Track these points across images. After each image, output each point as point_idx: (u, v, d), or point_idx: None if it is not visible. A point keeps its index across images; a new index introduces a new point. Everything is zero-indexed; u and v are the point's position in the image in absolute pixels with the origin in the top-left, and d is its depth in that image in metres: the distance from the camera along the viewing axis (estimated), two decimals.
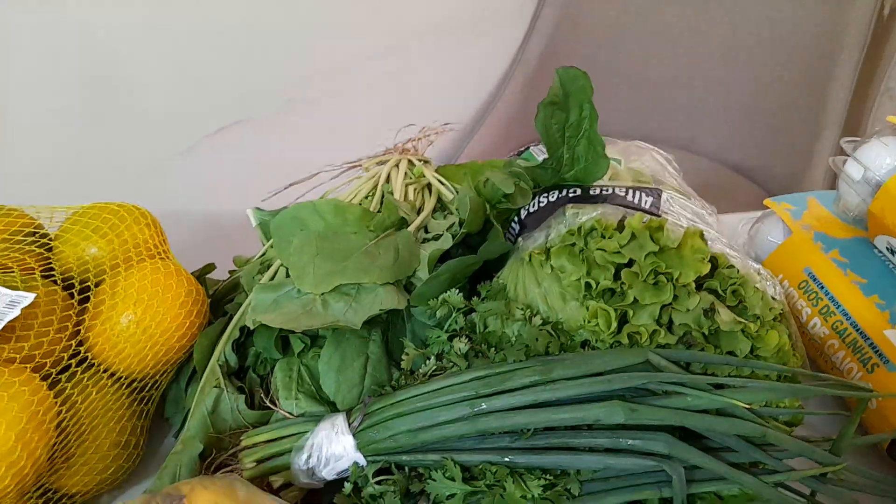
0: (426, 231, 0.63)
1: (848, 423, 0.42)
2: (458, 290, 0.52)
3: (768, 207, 0.67)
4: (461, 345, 0.49)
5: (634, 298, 0.45)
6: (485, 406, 0.44)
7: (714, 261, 0.47)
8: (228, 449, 0.50)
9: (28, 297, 0.47)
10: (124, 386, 0.53)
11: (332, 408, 0.50)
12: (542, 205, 0.54)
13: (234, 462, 0.49)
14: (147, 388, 0.55)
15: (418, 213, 0.65)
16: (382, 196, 0.67)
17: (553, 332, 0.47)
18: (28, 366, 0.47)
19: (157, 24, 1.02)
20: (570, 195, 0.54)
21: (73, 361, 0.50)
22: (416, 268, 0.56)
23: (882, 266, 0.59)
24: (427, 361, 0.50)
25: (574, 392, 0.43)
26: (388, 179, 0.73)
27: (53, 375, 0.48)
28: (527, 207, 0.56)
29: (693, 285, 0.45)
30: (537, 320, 0.48)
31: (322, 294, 0.52)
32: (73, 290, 0.52)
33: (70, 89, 0.94)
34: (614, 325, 0.45)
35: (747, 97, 1.59)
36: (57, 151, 0.96)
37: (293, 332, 0.53)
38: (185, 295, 0.55)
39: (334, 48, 1.26)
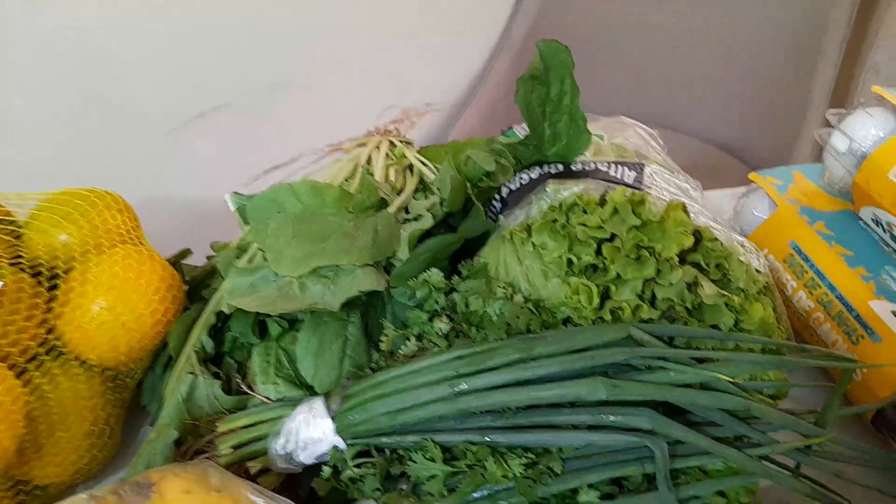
0: (407, 212, 0.62)
1: (833, 395, 0.42)
2: (438, 270, 0.51)
3: (754, 182, 0.67)
4: (441, 325, 0.48)
5: (617, 274, 0.44)
6: (465, 385, 0.43)
7: (698, 234, 0.46)
8: (205, 436, 0.49)
9: None
10: (96, 375, 0.52)
11: (311, 392, 0.49)
12: (523, 182, 0.53)
13: (210, 449, 0.48)
14: (121, 377, 0.53)
15: (399, 194, 0.64)
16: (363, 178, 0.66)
17: (535, 310, 0.46)
18: None
19: (138, 8, 1.00)
20: (552, 172, 0.52)
21: (42, 350, 0.49)
22: (397, 249, 0.55)
23: (867, 238, 0.58)
24: (407, 342, 0.49)
25: (555, 369, 0.42)
26: (369, 161, 0.72)
27: (22, 365, 0.47)
28: (508, 185, 0.55)
29: (676, 259, 0.44)
30: (519, 298, 0.47)
31: (299, 277, 0.51)
32: (42, 278, 0.50)
33: (48, 75, 0.92)
34: (596, 300, 0.44)
35: (734, 75, 1.58)
36: (32, 138, 0.94)
37: (270, 316, 0.51)
38: (158, 281, 0.54)
39: (317, 31, 1.24)
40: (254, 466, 0.46)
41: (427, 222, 0.55)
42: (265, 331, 0.53)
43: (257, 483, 0.46)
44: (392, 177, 0.68)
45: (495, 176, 0.57)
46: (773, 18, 1.46)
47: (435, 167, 0.67)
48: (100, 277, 0.51)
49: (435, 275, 0.50)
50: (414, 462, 0.43)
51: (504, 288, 0.48)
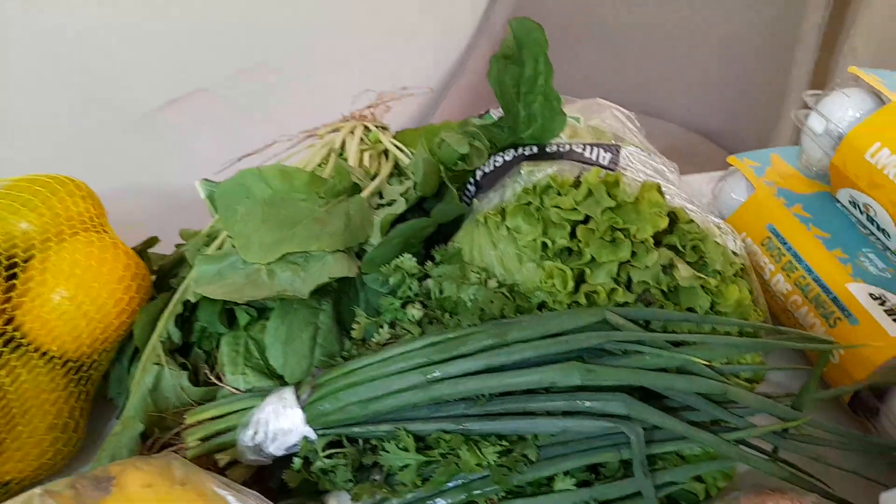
0: (381, 197, 0.60)
1: (810, 378, 0.41)
2: (411, 256, 0.49)
3: (732, 165, 0.66)
4: (414, 311, 0.47)
5: (591, 257, 0.43)
6: (438, 373, 0.42)
7: (673, 216, 0.45)
8: (172, 428, 0.47)
9: None
10: (59, 366, 0.50)
11: (282, 382, 0.48)
12: (497, 165, 0.52)
13: (178, 442, 0.46)
14: (85, 369, 0.52)
15: (374, 179, 0.62)
16: None
17: (509, 295, 0.45)
18: None
19: None
20: (527, 154, 0.51)
21: (1, 342, 0.47)
22: (370, 234, 0.54)
23: (845, 220, 0.58)
24: (380, 330, 0.48)
25: (530, 355, 0.41)
26: (343, 146, 0.70)
27: None
28: (482, 168, 0.54)
29: (651, 241, 0.43)
30: (493, 283, 0.46)
31: (268, 264, 0.50)
32: (0, 267, 0.48)
33: (13, 58, 0.89)
34: (571, 284, 0.43)
35: (713, 60, 1.57)
36: None
37: (238, 304, 0.50)
38: (122, 269, 0.52)
39: (293, 13, 1.21)
40: (222, 459, 0.45)
41: (400, 207, 0.53)
42: (234, 320, 0.51)
43: (226, 475, 0.45)
44: (366, 162, 0.67)
45: (470, 159, 0.55)
46: (751, 3, 1.45)
47: (410, 152, 0.66)
48: (60, 266, 0.50)
49: (408, 260, 0.49)
50: (386, 452, 0.42)
51: (478, 273, 0.47)
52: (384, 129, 0.77)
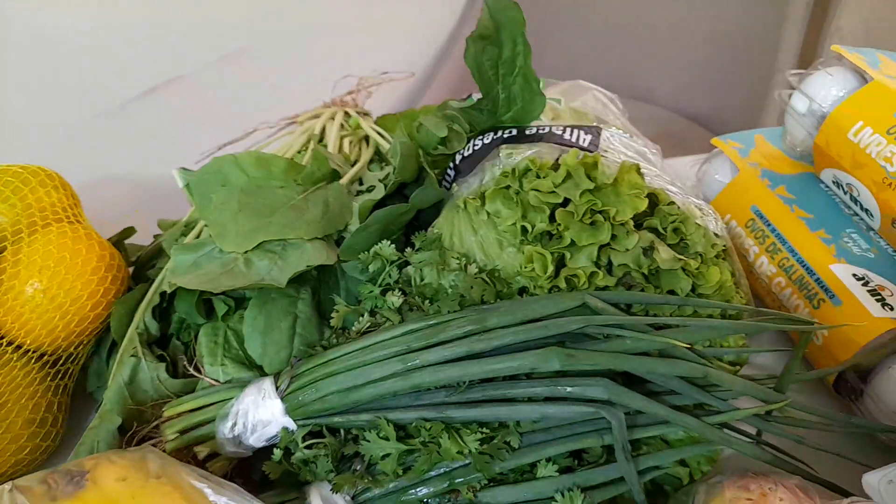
0: (361, 183, 0.59)
1: (791, 359, 0.41)
2: (390, 243, 0.49)
3: (717, 147, 0.65)
4: (394, 299, 0.46)
5: (571, 240, 0.42)
6: (418, 361, 0.41)
7: (654, 198, 0.44)
8: (151, 421, 0.47)
9: None
10: (33, 360, 0.49)
11: (262, 372, 0.47)
12: (476, 148, 0.51)
13: (157, 435, 0.46)
14: (62, 362, 0.51)
15: (354, 165, 0.61)
16: None
17: (489, 281, 0.45)
18: None
19: None
20: (506, 136, 0.50)
21: None
22: (349, 221, 0.53)
23: (828, 200, 0.57)
24: (360, 318, 0.47)
25: (510, 340, 0.41)
26: (323, 133, 0.69)
27: None
28: (461, 152, 0.53)
29: (631, 224, 0.42)
30: (473, 269, 0.46)
31: (245, 252, 0.49)
32: None
33: None
34: (551, 269, 0.43)
35: (701, 44, 1.56)
36: None
37: (216, 294, 0.49)
38: (97, 261, 0.51)
39: None
40: (202, 451, 0.44)
41: (378, 193, 0.53)
42: (213, 310, 0.51)
43: (206, 468, 0.45)
44: (347, 148, 0.66)
45: (450, 143, 0.55)
46: None
47: (392, 137, 0.65)
48: (32, 257, 0.49)
49: (386, 247, 0.48)
50: (367, 441, 0.42)
51: (458, 259, 0.47)
52: (365, 114, 0.76)
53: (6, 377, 0.47)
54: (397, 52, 1.38)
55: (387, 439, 0.41)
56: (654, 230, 0.44)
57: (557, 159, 0.44)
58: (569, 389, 0.40)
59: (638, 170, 0.42)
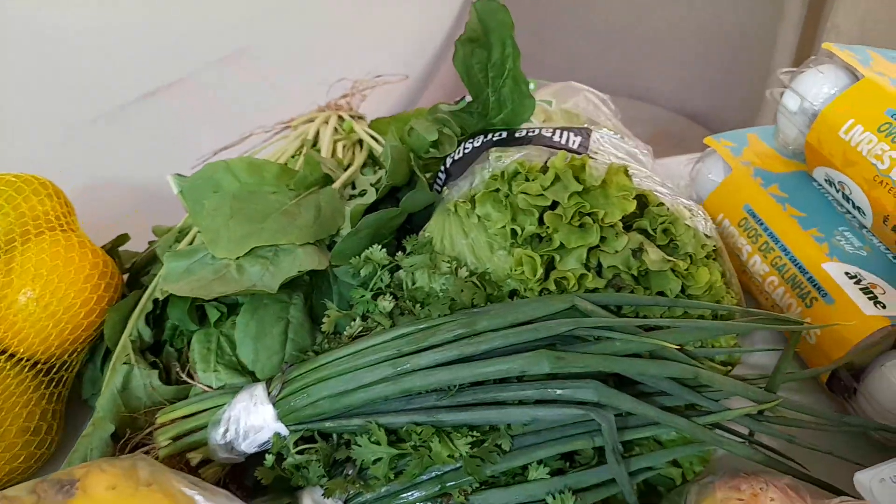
0: (354, 188, 0.60)
1: (781, 359, 0.41)
2: (381, 247, 0.49)
3: (709, 146, 0.65)
4: (385, 303, 0.46)
5: (561, 243, 0.42)
6: (408, 365, 0.41)
7: (643, 199, 0.44)
8: (144, 428, 0.47)
9: None
10: (27, 369, 0.49)
11: (255, 378, 0.47)
12: (466, 151, 0.51)
13: (150, 441, 0.46)
14: (56, 370, 0.51)
15: (347, 169, 0.62)
16: None
17: (480, 284, 0.45)
18: None
19: None
20: (495, 139, 0.50)
21: None
22: (341, 226, 0.53)
23: (820, 198, 0.57)
24: (352, 323, 0.47)
25: (499, 343, 0.41)
26: (316, 137, 0.70)
27: None
28: (452, 155, 0.53)
29: (620, 225, 0.42)
30: (463, 272, 0.46)
31: (237, 259, 0.49)
32: None
33: None
34: (540, 271, 0.43)
35: (700, 43, 1.56)
36: None
37: (207, 300, 0.49)
38: (90, 268, 0.51)
39: (272, 1, 1.19)
40: (194, 458, 0.44)
41: (370, 197, 0.53)
42: (205, 317, 0.51)
43: (199, 475, 0.45)
44: (340, 152, 0.66)
45: (441, 146, 0.55)
46: None
47: (385, 140, 0.65)
48: (25, 266, 0.49)
49: (377, 251, 0.48)
50: (359, 446, 0.42)
51: (449, 262, 0.47)
52: (360, 118, 0.76)
53: (1, 385, 0.47)
54: (395, 54, 1.38)
55: (378, 444, 0.41)
56: (643, 231, 0.44)
57: (546, 162, 0.44)
58: (559, 392, 0.40)
59: (626, 171, 0.42)
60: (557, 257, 0.43)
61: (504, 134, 0.51)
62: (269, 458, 0.43)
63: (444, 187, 0.50)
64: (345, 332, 0.47)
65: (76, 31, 0.94)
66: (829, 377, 0.50)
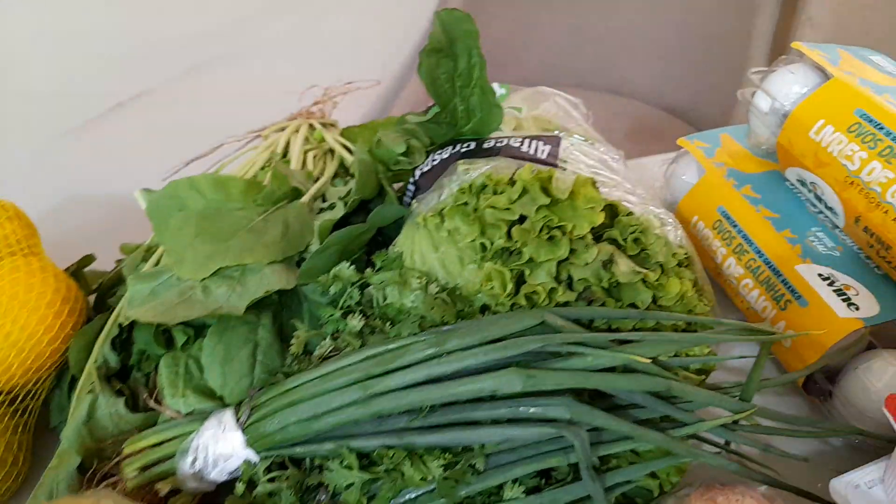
0: (324, 200, 0.58)
1: (754, 368, 0.41)
2: (349, 264, 0.48)
3: (683, 147, 0.65)
4: (354, 322, 0.46)
5: (530, 257, 0.42)
6: (378, 387, 0.41)
7: (613, 209, 0.44)
8: (112, 458, 0.45)
9: None
10: None
11: (224, 402, 0.46)
12: (435, 163, 0.50)
13: (118, 472, 0.45)
14: (20, 400, 0.50)
15: (317, 181, 0.60)
16: None
17: (449, 300, 0.44)
18: None
19: None
20: (463, 150, 0.50)
21: None
22: (310, 241, 0.52)
23: (793, 198, 0.57)
24: (322, 342, 0.46)
25: (470, 363, 0.40)
26: (287, 147, 0.68)
27: None
28: (421, 167, 0.52)
29: (590, 237, 0.42)
30: (433, 288, 0.45)
31: (203, 280, 0.48)
32: None
33: None
34: (510, 286, 0.42)
35: (676, 36, 1.56)
36: None
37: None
38: (52, 294, 0.50)
39: (237, 8, 1.17)
40: (163, 488, 0.43)
41: (339, 211, 0.52)
42: (173, 340, 0.50)
43: None
44: (310, 162, 0.65)
45: (411, 156, 0.54)
46: None
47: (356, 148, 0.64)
48: None
49: (346, 269, 0.47)
50: (331, 471, 0.41)
51: (419, 278, 0.46)
52: (331, 125, 0.75)
53: None
54: (368, 59, 1.36)
55: (350, 468, 0.41)
56: (614, 241, 0.43)
57: (514, 174, 0.43)
58: (531, 410, 0.39)
59: (593, 183, 0.41)
60: (527, 271, 0.42)
61: (472, 144, 0.50)
62: (240, 487, 0.42)
63: (414, 200, 0.49)
64: (315, 352, 0.46)
65: (39, 45, 0.92)
66: (805, 379, 0.50)
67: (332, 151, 0.67)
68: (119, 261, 0.63)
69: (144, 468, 0.44)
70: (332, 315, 0.47)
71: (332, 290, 0.48)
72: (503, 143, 0.48)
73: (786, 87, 0.55)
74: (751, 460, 0.42)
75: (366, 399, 0.41)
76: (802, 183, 0.55)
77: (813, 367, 0.45)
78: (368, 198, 0.53)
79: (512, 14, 1.62)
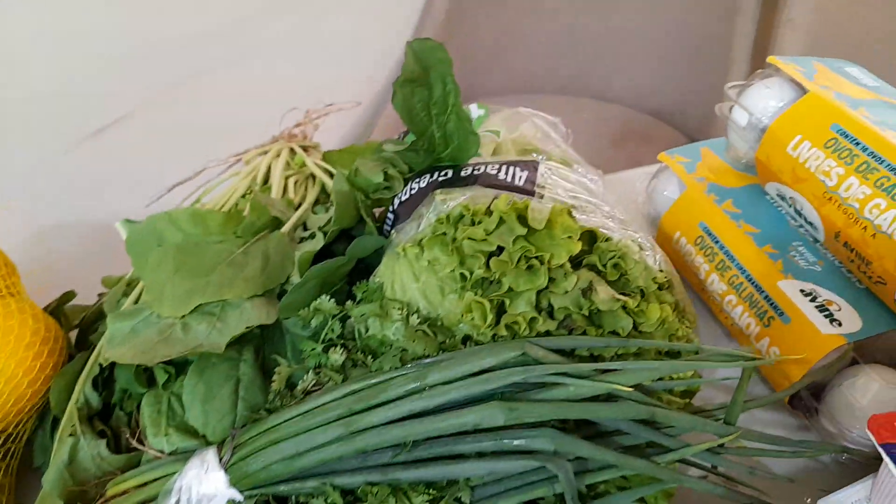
0: (305, 228, 0.58)
1: (736, 392, 0.40)
2: (329, 297, 0.47)
3: (663, 162, 0.65)
4: (336, 356, 0.45)
5: (509, 287, 0.42)
6: (361, 424, 0.40)
7: (592, 234, 0.44)
8: (96, 500, 0.45)
9: None
10: None
11: (207, 441, 0.46)
12: (413, 192, 0.50)
13: None
14: (2, 443, 0.49)
15: (298, 208, 0.60)
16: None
17: (430, 332, 0.44)
18: None
19: (24, 17, 0.93)
20: (441, 179, 0.49)
21: None
22: (291, 273, 0.52)
23: (774, 213, 0.57)
24: (305, 376, 0.46)
25: (452, 397, 0.40)
26: (267, 173, 0.68)
27: None
28: (399, 196, 0.52)
29: (569, 265, 0.42)
30: (414, 319, 0.45)
31: (182, 317, 0.47)
32: None
33: None
34: (491, 317, 0.42)
35: (660, 40, 1.57)
36: None
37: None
38: (31, 335, 0.49)
39: (220, 24, 1.17)
40: None
41: (318, 242, 0.51)
42: (154, 378, 0.49)
43: None
44: (291, 189, 0.65)
45: (391, 184, 0.53)
46: None
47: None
48: None
49: (326, 302, 0.47)
50: None
51: (400, 309, 0.45)
52: (313, 148, 0.74)
53: None
54: (349, 83, 1.36)
55: None
56: (593, 267, 0.43)
57: (491, 203, 0.43)
58: (515, 443, 0.39)
59: (570, 212, 0.41)
60: (507, 301, 0.42)
61: (450, 172, 0.50)
62: None
63: (393, 230, 0.49)
64: (298, 386, 0.46)
65: (15, 72, 0.92)
66: (791, 396, 0.50)
67: (313, 176, 0.67)
68: (101, 294, 0.63)
69: None
70: (313, 349, 0.46)
71: (314, 323, 0.48)
72: (480, 171, 0.48)
73: (762, 101, 0.55)
74: (737, 482, 0.42)
75: (348, 436, 0.41)
76: (782, 197, 0.55)
77: (797, 386, 0.45)
78: (348, 227, 0.53)
79: (497, 21, 1.63)
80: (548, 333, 0.42)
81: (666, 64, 1.56)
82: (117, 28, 1.03)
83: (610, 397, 0.41)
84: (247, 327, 0.46)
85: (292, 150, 0.71)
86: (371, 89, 1.36)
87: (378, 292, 0.48)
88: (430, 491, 0.39)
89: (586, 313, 0.42)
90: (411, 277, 0.47)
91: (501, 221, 0.42)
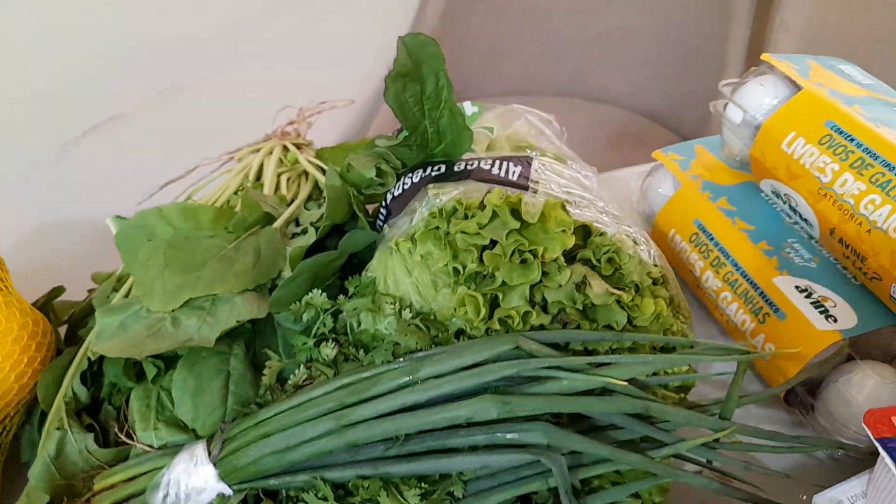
0: (298, 224, 0.58)
1: (732, 386, 0.40)
2: (321, 291, 0.47)
3: (657, 160, 0.65)
4: (328, 351, 0.45)
5: (503, 280, 0.41)
6: (352, 417, 0.40)
7: (586, 229, 0.43)
8: (83, 494, 0.44)
9: None
10: None
11: (197, 435, 0.45)
12: (406, 187, 0.50)
13: None
14: None
15: (290, 204, 0.60)
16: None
17: (423, 326, 0.43)
18: None
19: (22, 17, 0.92)
20: (434, 173, 0.49)
21: None
22: (282, 268, 0.51)
23: (769, 210, 0.57)
24: (296, 371, 0.45)
25: (444, 390, 0.39)
26: (260, 170, 0.68)
27: None
28: (392, 191, 0.51)
29: (563, 259, 0.41)
30: (407, 314, 0.44)
31: (172, 311, 0.47)
32: None
33: None
34: (484, 311, 0.41)
35: (653, 42, 1.57)
36: None
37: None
38: (18, 329, 0.49)
39: (212, 25, 1.17)
40: None
41: (310, 237, 0.51)
42: (144, 372, 0.49)
43: None
44: (284, 185, 0.64)
45: (384, 180, 0.53)
46: None
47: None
48: None
49: (317, 296, 0.47)
50: (306, 503, 0.40)
51: (393, 303, 0.45)
52: (306, 146, 0.74)
53: None
54: (343, 80, 1.36)
55: (325, 500, 0.40)
56: (587, 262, 0.43)
57: (484, 198, 0.43)
58: (509, 436, 0.39)
59: (563, 206, 0.41)
60: (501, 295, 0.42)
61: (443, 168, 0.50)
62: None
63: (386, 225, 0.49)
64: (289, 381, 0.45)
65: (13, 71, 0.91)
66: (787, 392, 0.50)
67: (306, 173, 0.67)
68: (91, 290, 0.62)
69: None
70: (305, 343, 0.46)
71: (305, 317, 0.47)
72: (473, 166, 0.48)
73: (757, 99, 0.55)
74: (733, 478, 0.42)
75: (340, 429, 0.40)
76: (777, 194, 0.55)
77: (792, 382, 0.45)
78: (340, 223, 0.53)
79: (491, 24, 1.63)
80: (541, 327, 0.42)
81: (661, 67, 1.56)
82: (116, 28, 1.03)
83: (604, 391, 0.40)
84: (237, 322, 0.46)
85: (285, 148, 0.71)
86: (367, 89, 1.36)
87: (370, 287, 0.47)
88: (423, 485, 0.39)
89: (580, 307, 0.41)
90: (404, 272, 0.46)
91: (495, 215, 0.41)
